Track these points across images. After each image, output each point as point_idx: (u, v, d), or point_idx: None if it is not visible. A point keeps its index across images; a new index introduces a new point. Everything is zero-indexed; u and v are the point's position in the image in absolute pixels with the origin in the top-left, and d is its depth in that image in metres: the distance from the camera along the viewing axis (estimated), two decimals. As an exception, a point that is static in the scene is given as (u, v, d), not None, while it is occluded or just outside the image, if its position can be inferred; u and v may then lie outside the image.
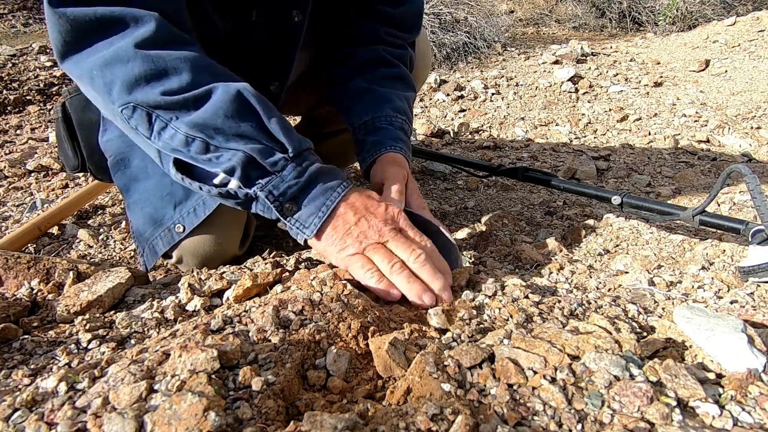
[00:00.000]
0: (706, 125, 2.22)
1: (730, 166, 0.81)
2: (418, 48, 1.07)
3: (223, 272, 0.76)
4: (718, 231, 0.96)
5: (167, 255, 0.91)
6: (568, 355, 0.44)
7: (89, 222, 1.24)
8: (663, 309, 0.64)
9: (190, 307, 0.65)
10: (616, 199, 0.99)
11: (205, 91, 0.61)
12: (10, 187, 1.44)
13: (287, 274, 0.70)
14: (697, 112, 2.35)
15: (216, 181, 0.65)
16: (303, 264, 0.80)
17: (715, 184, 0.82)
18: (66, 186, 1.44)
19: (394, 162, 0.80)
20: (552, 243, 1.00)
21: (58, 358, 0.54)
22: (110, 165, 0.91)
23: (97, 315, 0.65)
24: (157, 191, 0.84)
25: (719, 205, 1.26)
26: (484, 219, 1.26)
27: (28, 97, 2.25)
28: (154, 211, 0.85)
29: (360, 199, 0.67)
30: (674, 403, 0.39)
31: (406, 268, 0.63)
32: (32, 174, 1.54)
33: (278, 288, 0.64)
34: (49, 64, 2.52)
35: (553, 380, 0.41)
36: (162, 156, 0.66)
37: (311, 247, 0.70)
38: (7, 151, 1.72)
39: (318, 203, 0.65)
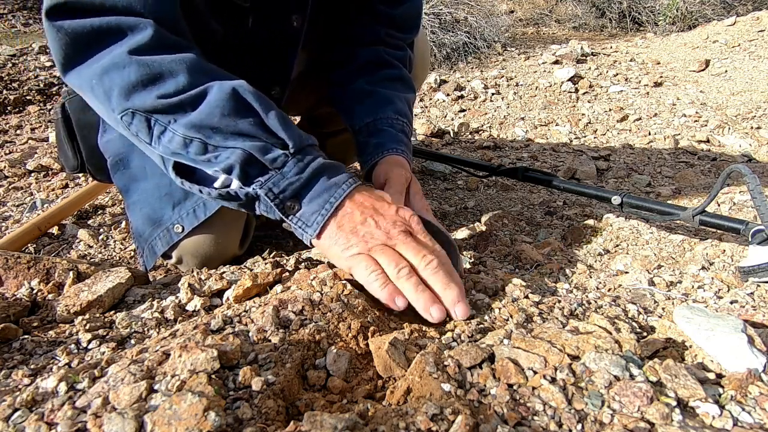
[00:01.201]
0: (706, 125, 2.22)
1: (730, 166, 0.81)
2: (417, 48, 1.07)
3: (223, 272, 0.76)
4: (718, 231, 0.96)
5: (167, 255, 0.91)
6: (568, 355, 0.44)
7: (89, 222, 1.24)
8: (663, 309, 0.64)
9: (190, 307, 0.65)
10: (616, 199, 0.99)
11: (201, 91, 0.60)
12: (10, 187, 1.44)
13: (287, 274, 0.70)
14: (697, 112, 2.34)
15: (217, 184, 0.64)
16: (303, 264, 0.80)
17: (715, 184, 0.82)
18: (66, 186, 1.44)
19: (396, 164, 0.79)
20: (552, 243, 1.00)
21: (58, 358, 0.54)
22: (110, 166, 0.91)
23: (97, 315, 0.65)
24: (156, 191, 0.84)
25: (719, 205, 1.26)
26: (484, 219, 1.26)
27: (28, 97, 2.25)
28: (153, 212, 0.85)
29: (369, 198, 0.63)
30: (674, 403, 0.39)
31: (414, 273, 0.58)
32: (32, 174, 1.54)
33: (278, 288, 0.64)
34: (49, 64, 2.52)
35: (553, 380, 0.41)
36: (165, 161, 0.65)
37: (314, 246, 0.67)
38: (7, 151, 1.72)
39: (321, 200, 0.62)
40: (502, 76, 2.81)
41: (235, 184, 0.62)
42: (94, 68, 0.60)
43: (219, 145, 0.60)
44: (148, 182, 0.85)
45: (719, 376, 0.45)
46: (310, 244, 0.65)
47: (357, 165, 1.69)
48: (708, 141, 2.07)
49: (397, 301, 0.56)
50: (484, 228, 1.17)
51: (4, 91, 2.23)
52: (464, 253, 0.94)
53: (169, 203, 0.83)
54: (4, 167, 1.55)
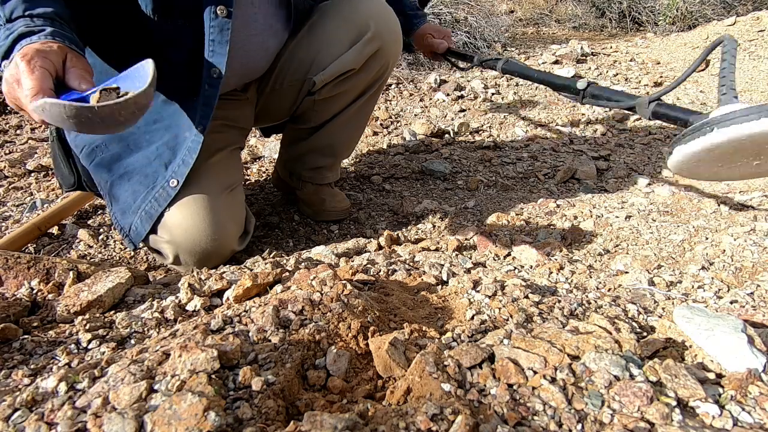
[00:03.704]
0: (706, 125, 2.22)
1: (721, 36, 0.81)
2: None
3: (223, 272, 0.76)
4: (668, 124, 0.96)
5: (163, 254, 0.91)
6: (568, 355, 0.44)
7: (89, 222, 1.24)
8: (663, 309, 0.64)
9: (190, 307, 0.65)
10: (581, 84, 1.00)
11: None
12: (10, 187, 1.44)
13: (287, 274, 0.70)
14: (697, 112, 2.34)
15: None
16: (303, 264, 0.80)
17: (699, 55, 0.81)
18: (66, 186, 1.44)
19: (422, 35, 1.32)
20: (552, 243, 1.00)
21: (58, 358, 0.54)
22: (84, 155, 0.94)
23: (97, 315, 0.65)
24: (144, 160, 0.91)
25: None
26: (484, 219, 1.26)
27: (28, 97, 2.25)
28: (145, 178, 0.91)
29: (14, 70, 0.78)
30: (674, 403, 0.39)
31: None
32: (32, 174, 1.54)
33: (278, 288, 0.64)
34: (49, 64, 2.52)
35: (553, 380, 0.41)
36: None
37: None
38: (7, 151, 1.72)
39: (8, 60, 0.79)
40: (503, 76, 2.81)
41: None
42: None
43: None
44: (135, 155, 0.92)
45: (719, 376, 0.45)
46: None
47: (350, 159, 1.69)
48: (708, 141, 2.07)
49: None
50: (484, 228, 1.17)
51: (4, 91, 2.23)
52: (464, 253, 0.94)
53: (161, 165, 0.91)
54: (4, 167, 1.55)
